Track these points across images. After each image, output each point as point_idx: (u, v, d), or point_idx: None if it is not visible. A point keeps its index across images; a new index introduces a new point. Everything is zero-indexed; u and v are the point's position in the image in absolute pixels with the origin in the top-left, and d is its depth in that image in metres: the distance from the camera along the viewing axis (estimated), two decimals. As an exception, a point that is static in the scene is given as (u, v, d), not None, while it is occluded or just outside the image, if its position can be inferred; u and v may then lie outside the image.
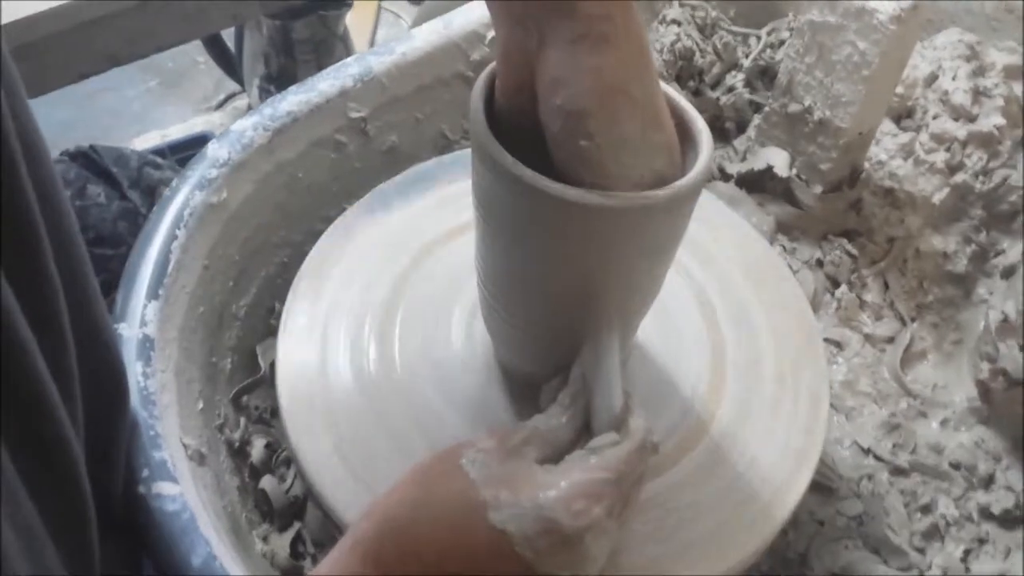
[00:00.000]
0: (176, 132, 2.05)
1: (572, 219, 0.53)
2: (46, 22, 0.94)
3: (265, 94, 1.92)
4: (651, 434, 0.55)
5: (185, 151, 1.91)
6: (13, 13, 0.94)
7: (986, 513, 0.82)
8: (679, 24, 1.05)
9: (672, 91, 0.58)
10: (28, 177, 0.47)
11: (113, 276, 0.76)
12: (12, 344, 0.43)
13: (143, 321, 0.71)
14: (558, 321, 0.60)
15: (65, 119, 2.08)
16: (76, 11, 0.96)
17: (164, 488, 0.63)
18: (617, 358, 0.58)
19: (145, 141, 1.99)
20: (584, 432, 0.57)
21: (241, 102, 2.16)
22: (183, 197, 0.78)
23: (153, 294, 0.73)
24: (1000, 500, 0.83)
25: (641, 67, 0.52)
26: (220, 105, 2.24)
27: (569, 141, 0.51)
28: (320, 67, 1.91)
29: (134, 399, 0.67)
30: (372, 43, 2.42)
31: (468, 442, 0.55)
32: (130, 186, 1.58)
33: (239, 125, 0.84)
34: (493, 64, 0.57)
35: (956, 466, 0.86)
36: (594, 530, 0.50)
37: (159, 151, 1.81)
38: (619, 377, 0.57)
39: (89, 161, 1.60)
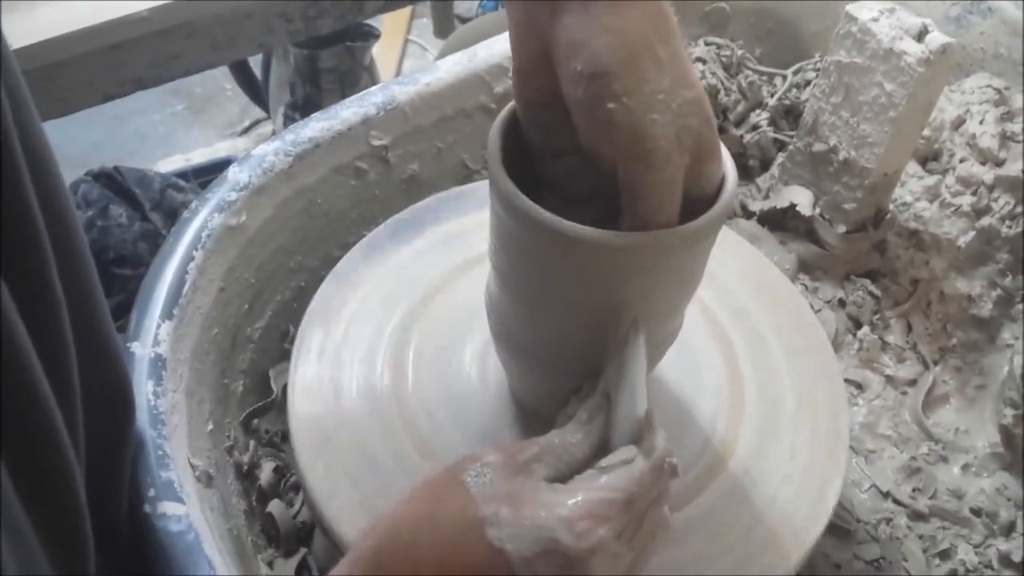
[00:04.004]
0: (200, 156, 2.07)
1: (592, 257, 0.52)
2: (73, 43, 0.95)
3: (290, 122, 1.93)
4: (671, 455, 0.51)
5: (208, 175, 1.92)
6: (40, 33, 0.94)
7: (1006, 561, 0.80)
8: (704, 62, 1.04)
9: None
10: (34, 192, 0.47)
11: (132, 296, 0.76)
12: (9, 351, 0.43)
13: (156, 340, 0.71)
14: (576, 342, 0.59)
15: (93, 140, 2.10)
16: (104, 33, 0.96)
17: (170, 508, 0.62)
18: (643, 364, 0.54)
19: (169, 164, 2.01)
20: (601, 452, 0.53)
21: (266, 129, 2.18)
22: (202, 219, 0.78)
23: (167, 314, 0.72)
24: (1021, 548, 0.81)
25: (662, 23, 0.50)
26: (245, 131, 2.26)
27: (595, 106, 0.48)
28: (345, 97, 1.93)
29: (143, 418, 0.66)
30: (398, 75, 2.44)
31: (473, 456, 0.52)
32: (152, 208, 1.59)
33: (261, 150, 0.84)
34: (512, 103, 0.56)
35: (977, 512, 0.84)
36: (600, 554, 0.47)
37: (182, 174, 1.82)
38: (644, 385, 0.53)
39: (112, 182, 1.61)
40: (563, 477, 0.51)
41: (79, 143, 2.05)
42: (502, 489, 0.49)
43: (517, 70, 0.54)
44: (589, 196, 0.56)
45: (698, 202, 0.53)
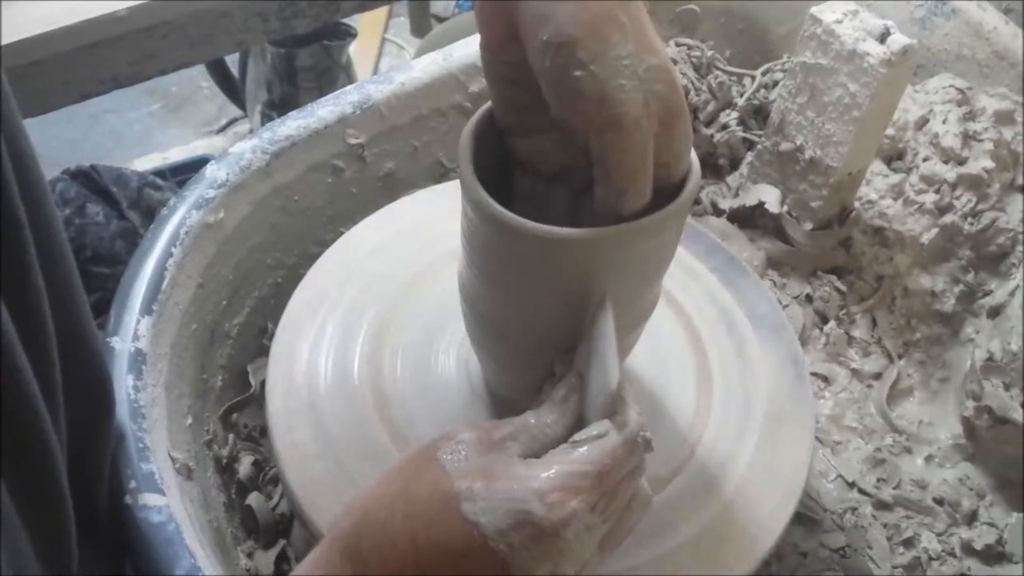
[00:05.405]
0: (177, 155, 2.07)
1: (560, 253, 0.54)
2: (50, 42, 0.96)
3: (267, 120, 1.92)
4: (644, 428, 0.52)
5: (185, 173, 1.92)
6: (18, 32, 0.95)
7: (969, 549, 0.83)
8: (675, 63, 1.06)
9: None
10: (17, 188, 0.48)
11: (110, 295, 0.77)
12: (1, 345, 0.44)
13: (136, 335, 0.72)
14: (547, 325, 0.60)
15: (70, 139, 2.10)
16: (81, 33, 0.97)
17: (150, 499, 0.63)
18: (613, 340, 0.55)
19: (146, 163, 2.01)
20: (576, 431, 0.53)
21: (243, 127, 2.18)
22: (180, 216, 0.79)
23: (147, 309, 0.74)
24: (982, 536, 0.83)
25: None
26: (222, 130, 2.27)
27: (563, 76, 0.49)
28: (322, 96, 1.93)
29: (123, 411, 0.67)
30: (375, 74, 2.45)
31: (448, 434, 0.53)
32: (129, 206, 1.59)
33: (238, 147, 0.85)
34: (487, 105, 0.58)
35: (940, 502, 0.86)
36: (573, 525, 0.48)
37: (160, 173, 1.82)
38: (615, 359, 0.54)
39: (89, 180, 1.61)
40: (537, 456, 0.52)
41: (56, 142, 2.05)
42: (476, 465, 0.50)
43: (485, 46, 0.55)
44: (562, 173, 0.57)
45: (664, 191, 0.54)
